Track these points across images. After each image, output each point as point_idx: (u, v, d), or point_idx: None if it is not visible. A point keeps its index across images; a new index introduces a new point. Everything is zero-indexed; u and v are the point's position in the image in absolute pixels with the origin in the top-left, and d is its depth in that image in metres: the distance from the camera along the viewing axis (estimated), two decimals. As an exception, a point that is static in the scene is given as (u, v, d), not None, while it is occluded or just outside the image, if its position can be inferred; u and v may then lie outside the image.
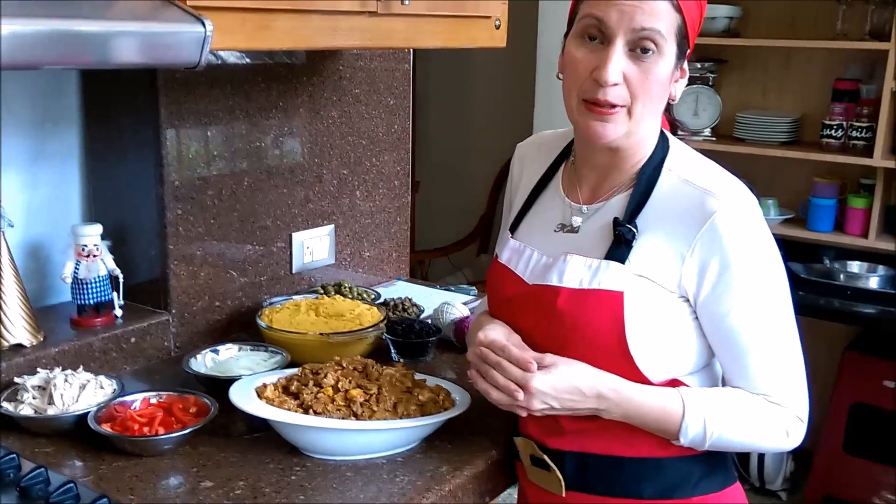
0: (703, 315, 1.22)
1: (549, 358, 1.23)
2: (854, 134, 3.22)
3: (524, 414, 1.25)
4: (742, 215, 1.20)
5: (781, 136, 3.40)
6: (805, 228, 3.35)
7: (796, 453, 3.31)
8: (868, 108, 3.21)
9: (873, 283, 3.18)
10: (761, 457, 3.31)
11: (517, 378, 1.22)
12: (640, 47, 1.18)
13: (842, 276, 3.22)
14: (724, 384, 1.29)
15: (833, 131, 3.26)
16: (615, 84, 1.18)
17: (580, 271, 1.24)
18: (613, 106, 1.20)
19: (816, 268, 3.26)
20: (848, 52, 3.27)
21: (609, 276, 1.21)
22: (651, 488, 1.26)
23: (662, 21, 1.18)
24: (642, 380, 1.22)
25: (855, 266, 3.29)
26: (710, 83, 3.53)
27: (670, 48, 1.20)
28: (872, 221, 3.20)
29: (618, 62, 1.18)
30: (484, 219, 4.52)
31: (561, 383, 1.21)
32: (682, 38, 1.22)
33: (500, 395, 1.24)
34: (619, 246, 1.22)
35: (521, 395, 1.21)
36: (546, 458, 1.31)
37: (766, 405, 1.24)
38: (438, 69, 4.69)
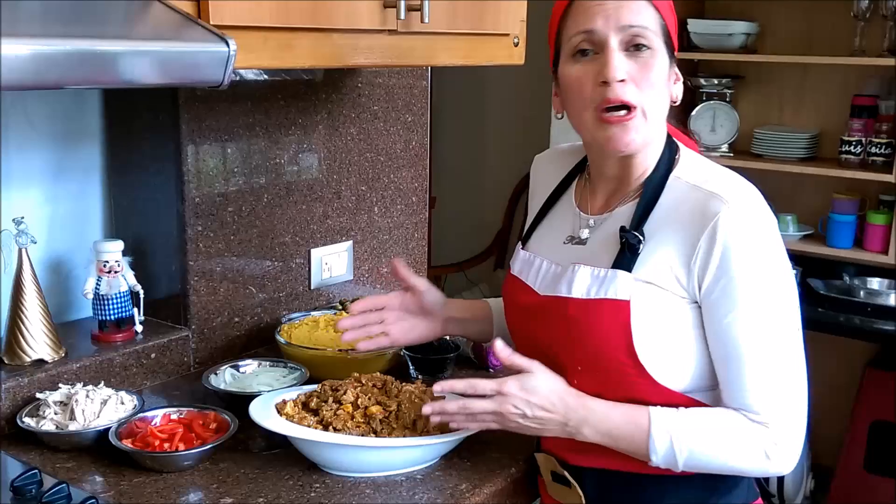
0: (705, 317, 1.20)
1: (532, 366, 1.26)
2: (873, 150, 3.20)
3: (494, 425, 1.28)
4: (746, 219, 1.17)
5: (800, 153, 3.38)
6: (825, 245, 3.32)
7: (816, 470, 3.28)
8: (887, 125, 3.19)
9: (893, 299, 3.15)
10: (780, 474, 3.27)
11: (491, 386, 1.25)
12: (633, 45, 1.20)
13: (862, 293, 3.19)
14: None
15: (852, 147, 3.24)
16: (622, 81, 1.19)
17: (588, 281, 1.24)
18: (629, 108, 1.20)
19: (836, 284, 3.24)
20: (866, 68, 3.26)
21: (615, 284, 1.20)
22: (671, 506, 1.26)
23: (646, 18, 1.21)
24: (659, 389, 1.20)
25: (875, 282, 3.27)
26: (728, 99, 3.52)
27: (660, 45, 1.22)
28: (893, 238, 3.18)
29: (619, 60, 1.20)
30: (500, 234, 4.51)
31: (534, 389, 1.23)
32: (667, 37, 1.24)
33: (474, 422, 1.29)
34: (625, 254, 1.22)
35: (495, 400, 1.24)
36: (566, 474, 1.31)
37: (741, 422, 1.19)
38: (454, 85, 4.69)
